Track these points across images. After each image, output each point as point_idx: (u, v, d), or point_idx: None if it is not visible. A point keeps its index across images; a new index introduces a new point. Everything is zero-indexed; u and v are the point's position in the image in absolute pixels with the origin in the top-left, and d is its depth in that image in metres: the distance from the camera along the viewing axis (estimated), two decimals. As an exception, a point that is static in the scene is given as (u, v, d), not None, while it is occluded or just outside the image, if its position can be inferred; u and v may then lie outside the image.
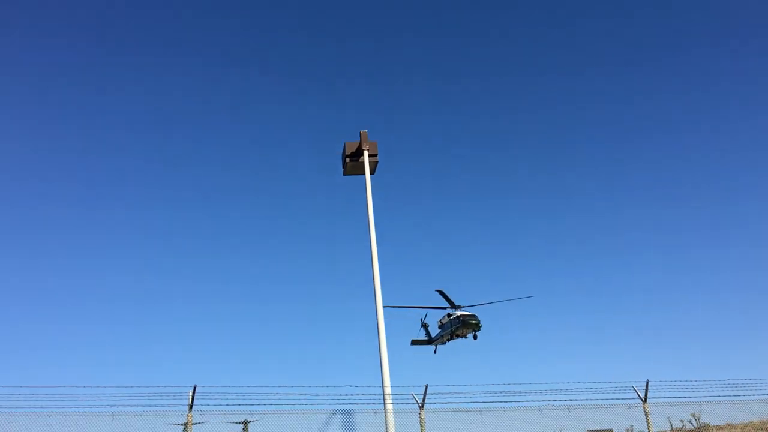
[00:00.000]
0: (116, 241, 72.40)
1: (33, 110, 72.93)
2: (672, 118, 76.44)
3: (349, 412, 18.47)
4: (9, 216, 69.07)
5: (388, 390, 19.58)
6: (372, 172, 23.22)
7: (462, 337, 32.79)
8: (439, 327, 34.26)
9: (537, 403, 18.82)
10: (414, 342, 36.00)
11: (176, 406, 16.24)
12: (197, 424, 16.20)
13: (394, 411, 19.17)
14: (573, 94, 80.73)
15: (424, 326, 35.83)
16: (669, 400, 19.82)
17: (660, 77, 77.71)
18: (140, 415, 15.71)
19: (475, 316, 31.88)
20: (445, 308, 32.72)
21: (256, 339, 68.36)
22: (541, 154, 78.98)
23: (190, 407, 16.03)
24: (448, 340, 33.76)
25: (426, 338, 35.78)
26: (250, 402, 17.24)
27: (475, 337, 32.54)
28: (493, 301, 32.56)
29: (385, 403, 19.08)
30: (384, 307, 28.19)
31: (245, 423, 19.03)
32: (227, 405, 17.22)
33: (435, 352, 35.47)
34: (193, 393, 16.04)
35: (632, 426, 26.16)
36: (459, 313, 32.16)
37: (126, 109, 78.03)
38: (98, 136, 76.45)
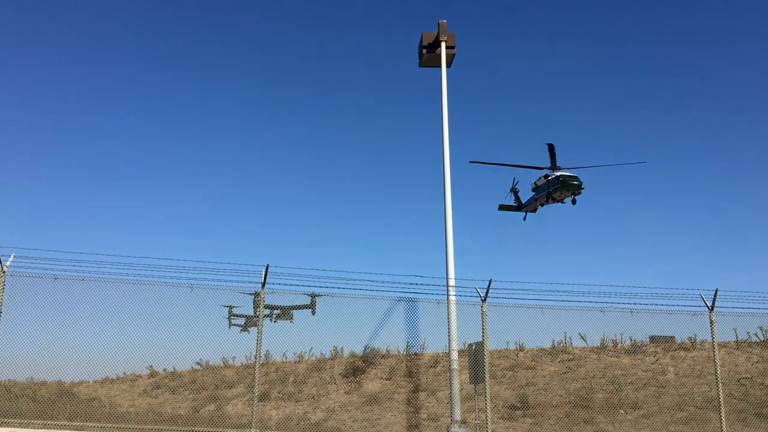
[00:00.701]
0: (192, 126, 74.23)
1: None
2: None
3: (412, 301, 19.08)
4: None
5: (452, 282, 19.95)
6: (448, 65, 22.77)
7: (558, 201, 29.68)
8: (533, 190, 30.93)
9: (600, 305, 18.80)
10: (502, 207, 32.77)
11: (250, 283, 17.16)
12: (269, 295, 17.23)
13: (457, 303, 19.58)
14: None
15: (514, 191, 32.50)
16: (737, 310, 19.48)
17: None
18: (216, 289, 16.70)
19: (576, 177, 28.66)
20: (540, 168, 29.56)
21: (326, 225, 70.22)
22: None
23: (263, 285, 16.88)
24: (542, 205, 30.68)
25: (515, 204, 32.59)
26: (319, 285, 18.02)
27: (573, 201, 29.16)
28: (600, 165, 28.74)
29: (448, 294, 19.48)
30: (471, 162, 27.96)
31: (313, 296, 20.04)
32: (297, 285, 18.03)
33: (524, 218, 32.33)
34: (266, 272, 16.84)
35: (695, 335, 26.18)
36: (559, 173, 28.96)
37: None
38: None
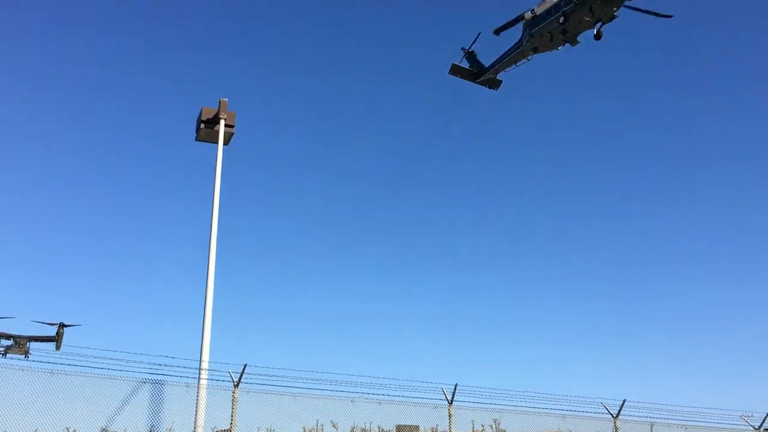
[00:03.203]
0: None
1: None
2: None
3: (159, 383, 18.00)
4: None
5: (205, 365, 19.29)
6: (226, 143, 22.77)
7: (569, 37, 20.40)
8: (534, 20, 21.01)
9: (351, 394, 19.36)
10: (454, 70, 24.06)
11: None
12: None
13: (209, 387, 18.92)
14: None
15: (470, 54, 24.03)
16: (473, 404, 21.10)
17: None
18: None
19: None
20: None
21: (70, 296, 63.55)
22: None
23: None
24: (536, 51, 21.53)
25: (472, 68, 24.04)
26: (55, 361, 16.43)
27: (598, 35, 19.60)
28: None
29: (199, 378, 18.75)
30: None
31: (61, 325, 17.28)
32: (33, 361, 16.33)
33: (497, 87, 23.55)
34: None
35: (437, 425, 27.65)
36: None
37: None
38: None
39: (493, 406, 21.71)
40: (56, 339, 17.70)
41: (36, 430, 24.52)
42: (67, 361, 15.80)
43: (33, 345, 17.84)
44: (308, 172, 76.50)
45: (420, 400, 20.23)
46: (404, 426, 28.27)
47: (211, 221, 21.19)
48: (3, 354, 17.53)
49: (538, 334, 65.53)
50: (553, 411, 21.79)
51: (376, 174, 77.28)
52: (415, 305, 67.58)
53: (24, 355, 17.50)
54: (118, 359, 16.29)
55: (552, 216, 74.31)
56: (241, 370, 17.67)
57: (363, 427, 28.22)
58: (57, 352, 17.43)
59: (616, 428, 21.81)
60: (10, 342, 17.39)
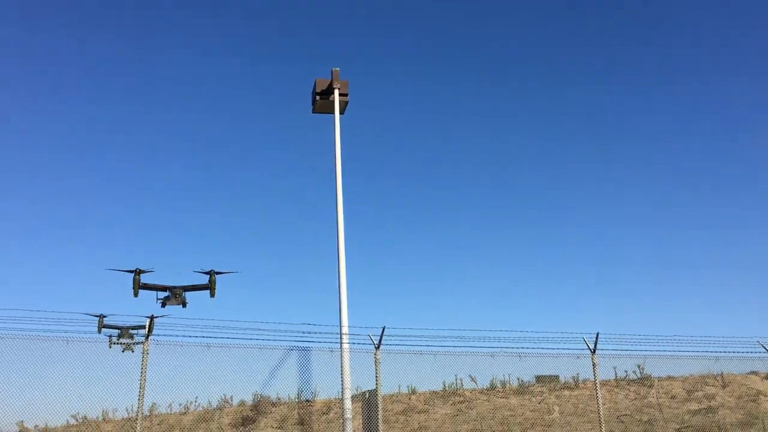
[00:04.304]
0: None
1: None
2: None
3: (305, 350, 18.80)
4: None
5: (345, 330, 19.87)
6: (342, 112, 23.00)
7: None
8: None
9: (490, 349, 19.34)
10: None
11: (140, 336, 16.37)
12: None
13: (351, 350, 19.52)
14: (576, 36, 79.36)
15: None
16: (616, 352, 20.57)
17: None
18: (95, 342, 15.83)
19: None
20: None
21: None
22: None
23: (147, 336, 16.10)
24: None
25: None
26: (210, 335, 17.42)
27: None
28: None
29: (341, 343, 19.39)
30: None
31: (212, 273, 17.77)
32: (185, 336, 17.35)
33: None
34: (150, 324, 16.09)
35: (578, 374, 27.32)
36: None
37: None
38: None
39: (637, 352, 21.05)
40: (209, 287, 17.99)
41: (197, 397, 26.44)
42: (223, 334, 16.72)
43: (188, 295, 18.13)
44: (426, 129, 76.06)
45: (561, 351, 19.90)
46: (544, 376, 28.20)
47: (336, 186, 21.59)
48: (162, 305, 18.06)
49: (684, 275, 62.52)
50: (702, 353, 20.87)
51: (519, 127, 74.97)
52: (554, 256, 66.22)
53: (182, 305, 17.88)
54: (265, 329, 17.06)
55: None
56: (380, 333, 18.08)
57: (502, 379, 28.42)
58: (212, 299, 17.83)
59: (776, 367, 20.66)
60: (166, 293, 17.81)
